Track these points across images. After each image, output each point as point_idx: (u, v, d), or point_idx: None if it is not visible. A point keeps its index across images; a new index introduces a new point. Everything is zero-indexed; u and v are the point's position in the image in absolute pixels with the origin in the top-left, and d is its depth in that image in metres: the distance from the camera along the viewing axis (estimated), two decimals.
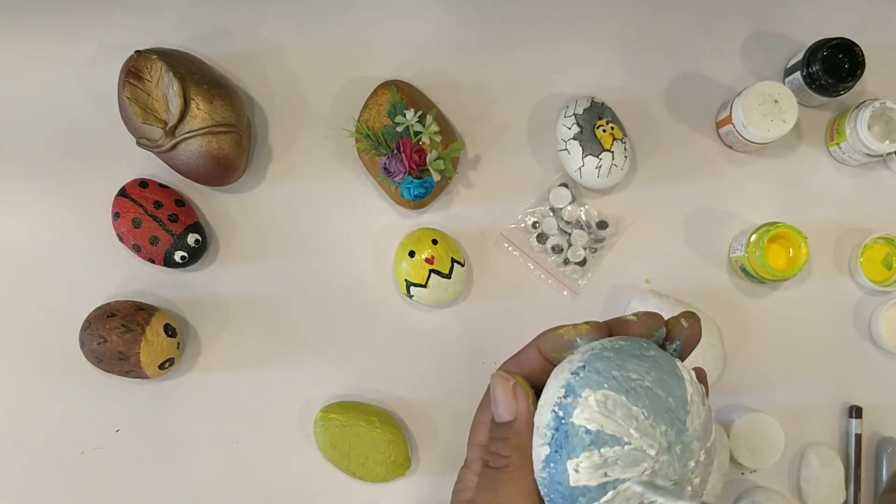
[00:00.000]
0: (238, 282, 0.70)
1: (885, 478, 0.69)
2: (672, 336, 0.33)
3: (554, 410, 0.29)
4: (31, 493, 0.68)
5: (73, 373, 0.68)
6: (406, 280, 0.67)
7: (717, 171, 0.71)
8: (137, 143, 0.65)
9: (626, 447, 0.27)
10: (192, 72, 0.64)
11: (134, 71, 0.64)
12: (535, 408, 0.30)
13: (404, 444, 0.67)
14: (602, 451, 0.27)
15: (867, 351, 0.71)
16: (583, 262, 0.70)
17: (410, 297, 0.68)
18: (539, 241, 0.70)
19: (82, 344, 0.65)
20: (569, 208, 0.70)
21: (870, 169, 0.71)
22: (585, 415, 0.28)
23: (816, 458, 0.68)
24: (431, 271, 0.66)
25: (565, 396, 0.28)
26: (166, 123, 0.63)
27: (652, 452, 0.27)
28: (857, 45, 0.65)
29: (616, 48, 0.72)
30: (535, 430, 0.30)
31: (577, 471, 0.28)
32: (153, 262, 0.67)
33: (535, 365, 0.32)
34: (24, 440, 0.69)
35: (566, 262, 0.70)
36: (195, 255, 0.67)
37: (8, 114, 0.70)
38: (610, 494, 0.27)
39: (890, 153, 0.67)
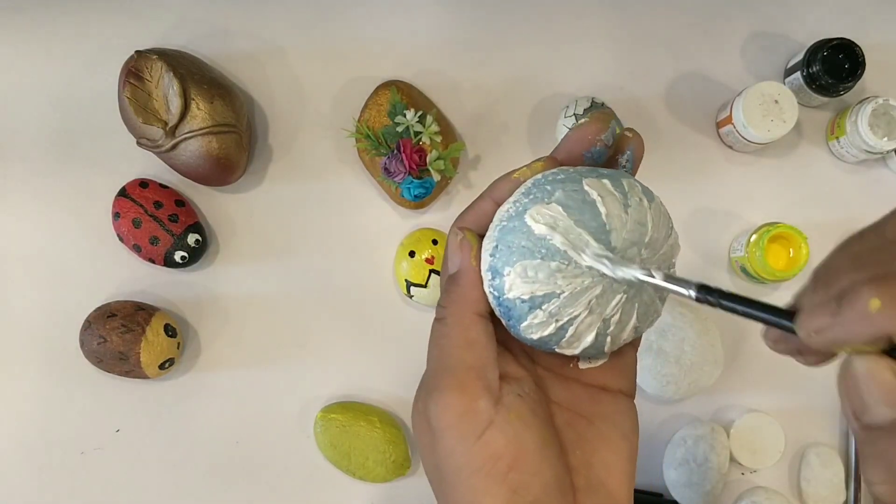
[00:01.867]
0: (238, 282, 0.70)
1: None
2: (622, 148, 0.34)
3: (491, 292, 0.30)
4: (31, 493, 0.68)
5: (73, 373, 0.68)
6: (406, 280, 0.67)
7: (717, 171, 0.71)
8: (137, 143, 0.65)
9: (562, 297, 0.29)
10: (192, 72, 0.64)
11: (134, 71, 0.64)
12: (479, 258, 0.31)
13: (404, 444, 0.67)
14: (543, 307, 0.29)
15: None
16: None
17: (410, 297, 0.68)
18: None
19: (82, 344, 0.65)
20: None
21: (869, 168, 0.71)
22: (515, 290, 0.29)
23: (816, 458, 0.68)
24: (431, 271, 0.66)
25: (492, 279, 0.30)
26: (166, 123, 0.63)
27: (588, 283, 0.29)
28: (857, 45, 0.65)
29: (616, 48, 0.72)
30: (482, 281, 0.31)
31: (531, 328, 0.30)
32: (153, 262, 0.67)
33: (490, 215, 0.32)
34: (24, 440, 0.69)
35: None
36: (195, 255, 0.67)
37: (8, 114, 0.70)
38: (571, 329, 0.29)
39: (889, 151, 0.67)
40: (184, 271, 0.69)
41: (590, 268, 0.29)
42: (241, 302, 0.70)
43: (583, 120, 0.32)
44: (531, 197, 0.30)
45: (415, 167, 0.65)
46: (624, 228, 0.29)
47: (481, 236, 0.32)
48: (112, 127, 0.69)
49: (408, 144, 0.65)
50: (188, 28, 0.70)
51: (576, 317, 0.29)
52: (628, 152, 0.34)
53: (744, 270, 0.69)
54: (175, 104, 0.63)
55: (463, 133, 0.71)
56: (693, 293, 0.28)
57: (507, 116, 0.71)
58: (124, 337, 0.63)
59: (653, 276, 0.29)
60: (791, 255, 0.67)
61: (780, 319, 0.26)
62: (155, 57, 0.63)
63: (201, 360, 0.70)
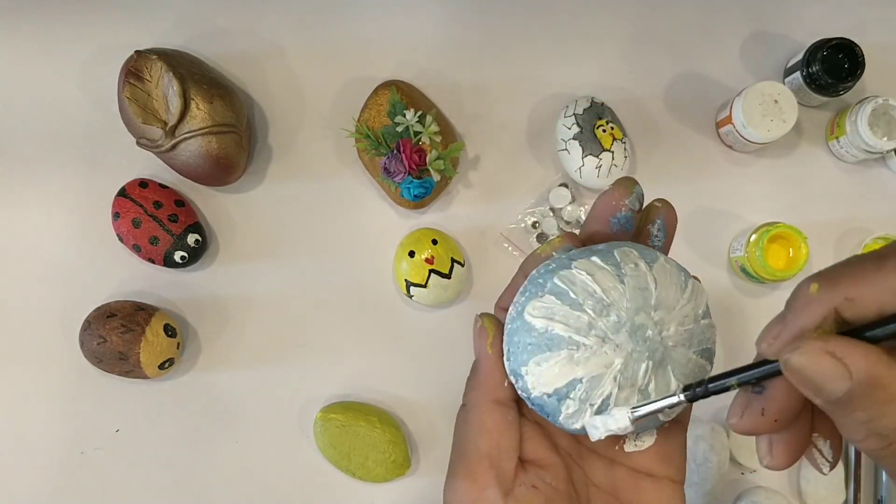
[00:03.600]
0: (238, 282, 0.70)
1: (884, 478, 0.69)
2: (651, 217, 0.33)
3: (520, 392, 0.30)
4: (31, 493, 0.68)
5: (73, 373, 0.68)
6: (406, 280, 0.67)
7: (717, 171, 0.71)
8: (137, 143, 0.65)
9: (584, 381, 0.29)
10: (192, 72, 0.64)
11: (134, 71, 0.64)
12: (497, 345, 0.31)
13: (404, 444, 0.67)
14: (572, 396, 0.29)
15: None
16: None
17: (410, 297, 0.68)
18: (539, 241, 0.70)
19: (82, 344, 0.65)
20: (569, 208, 0.70)
21: (869, 167, 0.71)
22: (538, 388, 0.29)
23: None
24: (431, 271, 0.66)
25: (516, 381, 0.30)
26: (166, 123, 0.63)
27: (606, 360, 0.29)
28: (857, 45, 0.65)
29: (616, 48, 0.72)
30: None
31: (570, 419, 0.29)
32: (153, 262, 0.67)
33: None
34: (24, 440, 0.69)
35: None
36: (195, 255, 0.67)
37: (8, 114, 0.70)
38: (612, 409, 0.29)
39: (889, 151, 0.67)
40: (184, 271, 0.69)
41: (602, 344, 0.29)
42: (241, 302, 0.70)
43: (607, 187, 0.32)
44: (527, 294, 0.30)
45: (415, 167, 0.65)
46: (623, 298, 0.29)
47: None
48: (112, 127, 0.69)
49: (408, 144, 0.65)
50: (188, 28, 0.70)
51: (609, 395, 0.29)
52: (658, 221, 0.33)
53: (743, 270, 0.69)
54: (175, 104, 0.63)
55: (463, 133, 0.71)
56: (681, 397, 0.29)
57: (506, 116, 0.71)
58: (124, 337, 0.63)
59: (629, 416, 0.29)
60: (791, 254, 0.67)
61: (759, 368, 0.27)
62: (155, 57, 0.63)
63: (201, 360, 0.70)
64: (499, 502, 0.29)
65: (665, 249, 0.33)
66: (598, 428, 0.29)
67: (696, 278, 0.32)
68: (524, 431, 0.31)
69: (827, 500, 0.68)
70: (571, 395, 0.29)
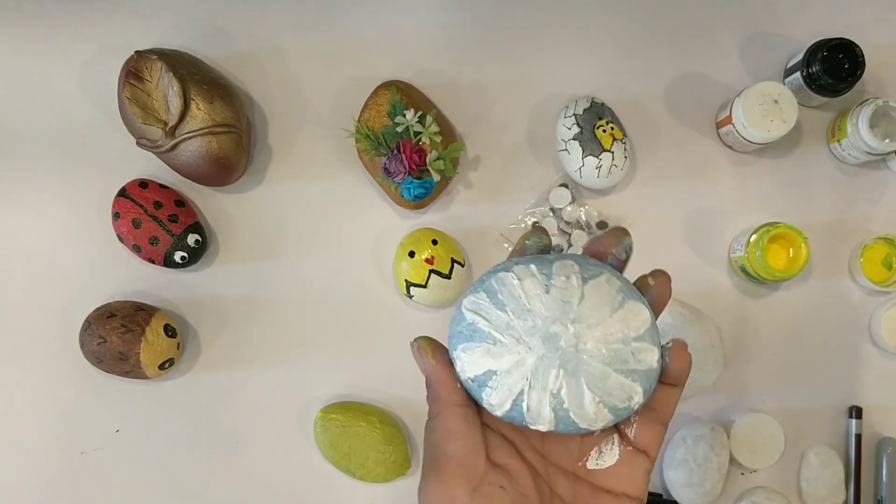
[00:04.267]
0: (238, 282, 0.70)
1: (885, 478, 0.69)
2: (644, 290, 0.35)
3: (458, 378, 0.34)
4: (31, 493, 0.68)
5: (73, 373, 0.68)
6: (406, 280, 0.67)
7: (717, 171, 0.71)
8: (137, 143, 0.65)
9: (499, 373, 0.32)
10: (192, 72, 0.64)
11: (134, 71, 0.64)
12: (439, 356, 0.35)
13: (404, 444, 0.67)
14: (490, 385, 0.33)
15: (867, 351, 0.71)
16: None
17: (410, 297, 0.68)
18: None
19: (82, 344, 0.65)
20: (569, 208, 0.70)
21: (870, 169, 0.71)
22: (465, 372, 0.33)
23: (816, 458, 0.68)
24: (431, 271, 0.66)
25: (454, 366, 0.34)
26: (166, 124, 0.63)
27: (519, 360, 0.32)
28: (856, 45, 0.65)
29: (616, 48, 0.72)
30: None
31: (491, 406, 0.33)
32: (153, 262, 0.67)
33: None
34: (24, 440, 0.69)
35: None
36: (195, 255, 0.67)
37: (8, 114, 0.70)
38: (524, 405, 0.32)
39: (890, 152, 0.67)
40: (184, 271, 0.69)
41: (516, 344, 0.32)
42: (241, 302, 0.70)
43: (600, 233, 0.35)
44: (471, 288, 0.34)
45: (415, 167, 0.65)
46: (543, 306, 0.32)
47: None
48: (112, 127, 0.69)
49: (408, 144, 0.65)
50: (188, 28, 0.70)
51: (521, 392, 0.32)
52: (648, 296, 0.35)
53: (743, 270, 0.69)
54: (175, 104, 0.63)
55: (463, 133, 0.71)
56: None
57: (507, 116, 0.71)
58: (124, 337, 0.63)
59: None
60: (791, 255, 0.67)
61: None
62: (155, 57, 0.63)
63: (201, 360, 0.70)
64: (466, 499, 0.30)
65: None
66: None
67: (651, 310, 0.34)
68: (491, 440, 0.33)
69: (827, 501, 0.68)
70: (490, 384, 0.32)
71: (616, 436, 0.34)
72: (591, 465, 0.34)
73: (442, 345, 0.34)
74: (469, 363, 0.33)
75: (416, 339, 0.35)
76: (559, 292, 0.32)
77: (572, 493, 0.33)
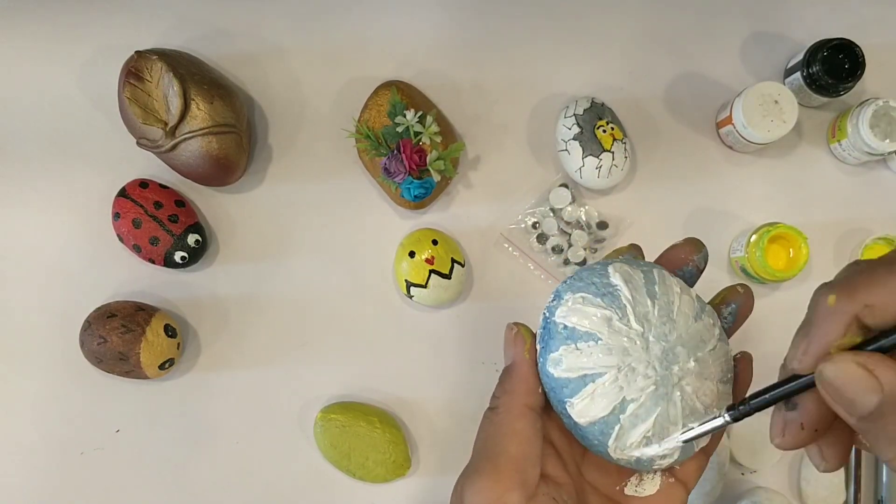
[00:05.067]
0: (238, 282, 0.70)
1: (885, 478, 0.69)
2: (727, 300, 0.35)
3: (543, 313, 0.32)
4: (31, 493, 0.68)
5: (73, 373, 0.68)
6: (406, 280, 0.67)
7: (717, 171, 0.71)
8: (137, 143, 0.65)
9: (598, 343, 0.30)
10: (192, 72, 0.64)
11: (134, 71, 0.64)
12: (534, 353, 0.33)
13: (404, 444, 0.67)
14: (578, 345, 0.30)
15: None
16: (583, 263, 0.70)
17: (410, 297, 0.68)
18: (539, 241, 0.70)
19: (82, 344, 0.65)
20: (569, 208, 0.70)
21: (870, 169, 0.71)
22: (563, 313, 0.31)
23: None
24: (431, 271, 0.66)
25: (552, 300, 0.32)
26: (166, 124, 0.63)
27: (627, 346, 0.30)
28: (857, 46, 0.65)
29: (616, 48, 0.72)
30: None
31: (560, 361, 0.30)
32: (153, 262, 0.67)
33: None
34: (24, 440, 0.69)
35: (566, 262, 0.70)
36: (195, 255, 0.67)
37: (8, 114, 0.70)
38: (589, 387, 0.30)
39: (890, 153, 0.67)
40: (184, 271, 0.69)
41: (626, 356, 0.30)
42: (241, 302, 0.70)
43: (678, 241, 0.35)
44: (569, 283, 0.32)
45: (415, 167, 0.65)
46: (653, 320, 0.31)
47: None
48: (112, 127, 0.69)
49: (408, 145, 0.64)
50: (188, 28, 0.70)
51: (600, 374, 0.30)
52: (733, 305, 0.35)
53: (744, 270, 0.69)
54: (175, 104, 0.63)
55: (463, 133, 0.71)
56: (727, 417, 0.30)
57: (507, 116, 0.71)
58: (124, 337, 0.63)
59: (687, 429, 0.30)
60: (791, 255, 0.67)
61: (794, 383, 0.28)
62: (155, 57, 0.63)
63: (201, 361, 0.70)
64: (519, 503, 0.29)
65: (729, 334, 0.35)
66: (651, 452, 0.30)
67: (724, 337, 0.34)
68: (545, 449, 0.32)
69: (827, 501, 0.68)
70: (583, 392, 0.30)
71: None
72: (629, 490, 0.33)
73: (534, 340, 0.33)
74: (566, 365, 0.30)
75: (515, 324, 0.33)
76: (664, 306, 0.31)
77: None
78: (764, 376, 0.72)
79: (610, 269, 0.32)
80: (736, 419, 0.30)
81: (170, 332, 0.65)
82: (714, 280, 0.71)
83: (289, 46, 0.71)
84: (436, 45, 0.71)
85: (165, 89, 0.63)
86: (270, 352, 0.70)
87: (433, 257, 0.66)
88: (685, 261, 0.34)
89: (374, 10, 0.71)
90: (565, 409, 0.30)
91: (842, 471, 0.69)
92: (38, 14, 0.70)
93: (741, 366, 0.34)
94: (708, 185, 0.71)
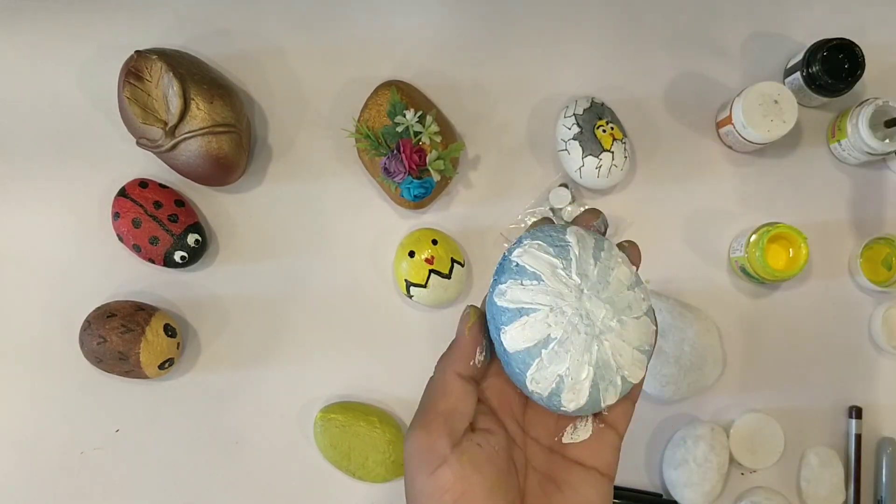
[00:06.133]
0: (238, 282, 0.70)
1: (885, 478, 0.69)
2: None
3: (504, 253, 0.36)
4: (31, 493, 0.68)
5: (73, 373, 0.68)
6: (406, 280, 0.67)
7: (717, 171, 0.71)
8: (137, 143, 0.65)
9: (539, 284, 0.34)
10: (192, 72, 0.64)
11: (134, 71, 0.64)
12: (475, 331, 0.37)
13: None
14: (523, 281, 0.34)
15: (867, 351, 0.71)
16: None
17: (410, 297, 0.68)
18: None
19: (82, 344, 0.65)
20: (569, 208, 0.70)
21: (870, 169, 0.71)
22: (517, 253, 0.35)
23: (816, 458, 0.68)
24: (431, 271, 0.66)
25: (514, 244, 0.36)
26: (166, 123, 0.63)
27: (562, 292, 0.34)
28: (856, 46, 0.65)
29: (616, 48, 0.72)
30: None
31: (504, 292, 0.35)
32: (153, 262, 0.67)
33: None
34: (24, 440, 0.69)
35: None
36: (195, 255, 0.67)
37: (8, 114, 0.70)
38: (522, 319, 0.34)
39: (890, 152, 0.67)
40: (184, 271, 0.69)
41: (563, 315, 0.34)
42: (241, 302, 0.70)
43: (577, 214, 0.38)
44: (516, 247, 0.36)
45: (415, 167, 0.65)
46: (589, 277, 0.35)
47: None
48: (112, 127, 0.69)
49: (408, 144, 0.65)
50: (188, 28, 0.70)
51: (535, 309, 0.34)
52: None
53: (743, 270, 0.69)
54: (175, 104, 0.63)
55: (463, 133, 0.71)
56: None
57: (507, 116, 0.71)
58: (124, 337, 0.63)
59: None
60: (791, 255, 0.67)
61: None
62: (155, 57, 0.63)
63: (201, 360, 0.70)
64: (447, 450, 0.33)
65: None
66: None
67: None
68: (478, 409, 0.36)
69: (827, 501, 0.68)
70: (542, 353, 0.34)
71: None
72: (566, 439, 0.37)
73: (484, 321, 0.36)
74: (509, 297, 0.34)
75: (469, 306, 0.37)
76: (603, 269, 0.35)
77: (546, 465, 0.36)
78: (764, 375, 0.72)
79: (569, 229, 0.36)
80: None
81: (169, 331, 0.65)
82: (714, 280, 0.71)
83: (289, 46, 0.71)
84: (436, 45, 0.71)
85: (165, 89, 0.63)
86: (270, 352, 0.70)
87: (433, 257, 0.66)
88: (587, 226, 0.38)
89: (374, 10, 0.71)
90: (499, 336, 0.34)
91: (841, 471, 0.69)
92: (38, 14, 0.70)
93: (630, 250, 0.38)
94: (708, 185, 0.71)
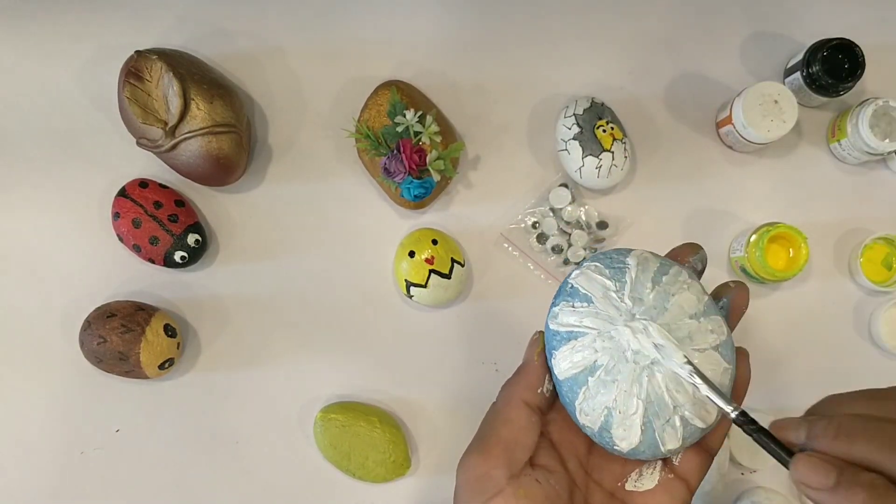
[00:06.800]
0: (238, 282, 0.70)
1: None
2: (719, 295, 0.36)
3: (566, 279, 0.35)
4: (31, 493, 0.68)
5: (73, 373, 0.68)
6: (406, 280, 0.67)
7: (717, 171, 0.71)
8: (137, 143, 0.65)
9: (590, 306, 0.32)
10: (192, 72, 0.64)
11: (134, 71, 0.64)
12: (543, 358, 0.35)
13: (404, 444, 0.67)
14: (574, 303, 0.33)
15: (867, 351, 0.71)
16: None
17: (410, 297, 0.68)
18: (539, 241, 0.70)
19: (82, 344, 0.65)
20: (569, 208, 0.70)
21: (870, 169, 0.71)
22: (575, 275, 0.34)
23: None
24: (431, 271, 0.66)
25: (577, 267, 0.34)
26: (166, 123, 0.63)
27: (612, 316, 0.32)
28: (857, 46, 0.65)
29: (616, 48, 0.72)
30: None
31: (556, 315, 0.33)
32: (153, 262, 0.67)
33: None
34: (24, 440, 0.69)
35: (566, 262, 0.70)
36: (195, 255, 0.67)
37: (8, 114, 0.70)
38: (570, 343, 0.32)
39: (890, 152, 0.67)
40: (184, 271, 0.69)
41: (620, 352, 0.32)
42: (241, 302, 0.70)
43: (676, 246, 0.36)
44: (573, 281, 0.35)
45: (415, 167, 0.65)
46: (650, 305, 0.32)
47: None
48: (112, 127, 0.69)
49: (408, 144, 0.65)
50: (188, 28, 0.70)
51: (586, 331, 0.32)
52: (724, 300, 0.36)
53: (743, 270, 0.69)
54: (175, 104, 0.63)
55: (463, 133, 0.71)
56: (732, 414, 0.31)
57: (507, 116, 0.71)
58: (124, 337, 0.63)
59: (690, 366, 0.31)
60: (791, 255, 0.67)
61: (783, 453, 0.30)
62: (155, 57, 0.63)
63: (201, 360, 0.70)
64: (504, 480, 0.31)
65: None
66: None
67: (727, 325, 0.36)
68: (540, 443, 0.34)
69: None
70: (588, 385, 0.32)
71: (659, 461, 0.34)
72: (629, 486, 0.34)
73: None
74: (561, 319, 0.33)
75: (538, 332, 0.35)
76: (662, 293, 0.33)
77: None
78: (764, 375, 0.72)
79: (633, 252, 0.34)
80: (735, 422, 0.31)
81: (170, 331, 0.65)
82: (714, 280, 0.70)
83: (289, 46, 0.71)
84: (436, 45, 0.71)
85: (165, 89, 0.63)
86: (270, 352, 0.70)
87: (433, 257, 0.66)
88: (682, 262, 0.35)
89: (374, 9, 0.71)
90: (552, 361, 0.33)
91: None
92: (38, 14, 0.70)
93: (737, 292, 0.36)
94: (708, 185, 0.71)
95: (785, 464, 0.30)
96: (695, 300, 0.33)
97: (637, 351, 0.31)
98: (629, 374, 0.31)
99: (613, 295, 0.32)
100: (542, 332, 0.34)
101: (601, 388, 0.31)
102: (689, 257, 0.36)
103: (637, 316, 0.31)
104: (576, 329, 0.32)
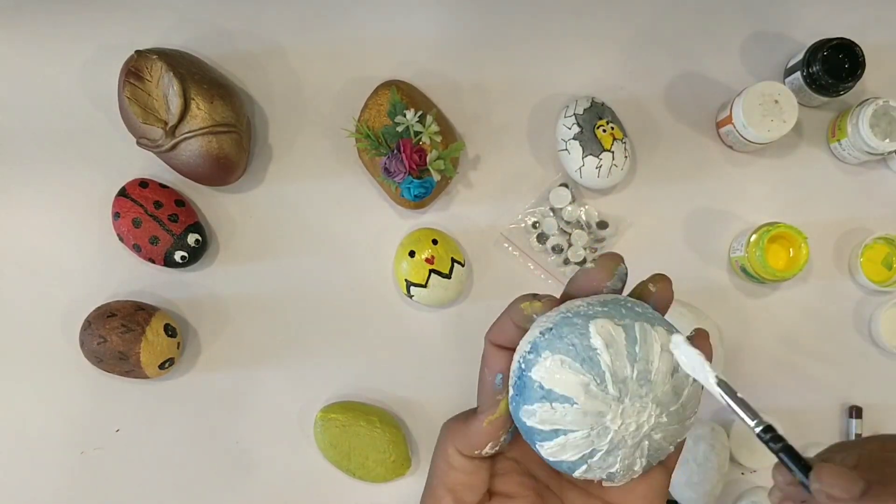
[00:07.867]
0: (238, 282, 0.70)
1: None
2: (643, 298, 0.33)
3: (518, 361, 0.32)
4: (31, 493, 0.68)
5: (73, 373, 0.68)
6: (406, 280, 0.67)
7: (717, 171, 0.71)
8: (137, 143, 0.65)
9: (573, 406, 0.30)
10: (192, 72, 0.64)
11: (134, 71, 0.64)
12: (496, 426, 0.32)
13: (404, 444, 0.67)
14: (553, 405, 0.30)
15: (867, 351, 0.71)
16: (583, 262, 0.70)
17: (410, 297, 0.68)
18: (539, 241, 0.70)
19: (82, 344, 0.65)
20: (569, 208, 0.70)
21: (870, 168, 0.71)
22: (540, 373, 0.30)
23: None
24: (431, 271, 0.66)
25: (529, 352, 0.31)
26: (166, 123, 0.63)
27: (602, 410, 0.30)
28: (857, 45, 0.65)
29: (616, 48, 0.72)
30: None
31: (534, 413, 0.30)
32: (153, 262, 0.67)
33: (513, 333, 0.33)
34: (24, 440, 0.69)
35: (566, 262, 0.70)
36: (195, 255, 0.67)
37: (8, 114, 0.70)
38: (561, 438, 0.30)
39: (890, 152, 0.67)
40: (184, 271, 0.69)
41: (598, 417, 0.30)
42: (241, 302, 0.70)
43: (589, 264, 0.32)
44: (541, 339, 0.31)
45: (415, 167, 0.65)
46: (630, 383, 0.31)
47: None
48: (112, 127, 0.69)
49: (408, 144, 0.65)
50: (188, 28, 0.70)
51: (571, 431, 0.30)
52: (650, 303, 0.33)
53: (744, 270, 0.69)
54: (175, 104, 0.63)
55: (463, 133, 0.71)
56: (757, 429, 0.31)
57: (507, 116, 0.71)
58: (124, 337, 0.63)
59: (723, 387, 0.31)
60: (791, 254, 0.67)
61: (800, 465, 0.31)
62: (155, 57, 0.63)
63: (201, 360, 0.70)
64: None
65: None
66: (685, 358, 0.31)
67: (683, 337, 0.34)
68: (499, 468, 0.32)
69: None
70: (554, 440, 0.31)
71: None
72: (606, 483, 0.32)
73: (509, 416, 0.32)
74: (540, 418, 0.31)
75: (500, 382, 0.33)
76: (643, 369, 0.31)
77: None
78: (763, 374, 0.72)
79: (591, 328, 0.30)
80: (760, 438, 0.32)
81: (170, 331, 0.65)
82: (714, 280, 0.71)
83: (289, 46, 0.71)
84: (436, 45, 0.71)
85: (165, 89, 0.63)
86: (271, 352, 0.70)
87: (433, 257, 0.66)
88: (599, 288, 0.32)
89: (374, 9, 0.71)
90: (535, 447, 0.31)
91: None
92: (38, 14, 0.70)
93: (698, 337, 0.33)
94: (708, 185, 0.71)
95: (806, 486, 0.30)
96: (669, 358, 0.31)
97: (636, 428, 0.30)
98: (631, 446, 0.31)
99: (595, 389, 0.30)
100: (503, 377, 0.32)
101: (603, 464, 0.31)
102: (605, 283, 0.32)
103: (626, 402, 0.30)
104: (563, 427, 0.30)
